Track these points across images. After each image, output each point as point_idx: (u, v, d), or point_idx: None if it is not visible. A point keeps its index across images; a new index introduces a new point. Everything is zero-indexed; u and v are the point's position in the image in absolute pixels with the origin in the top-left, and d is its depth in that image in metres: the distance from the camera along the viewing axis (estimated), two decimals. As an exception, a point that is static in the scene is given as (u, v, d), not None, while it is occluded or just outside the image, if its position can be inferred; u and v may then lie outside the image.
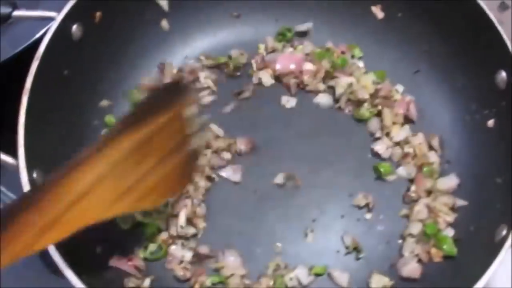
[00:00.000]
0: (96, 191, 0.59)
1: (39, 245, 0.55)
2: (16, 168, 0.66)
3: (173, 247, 0.76)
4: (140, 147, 0.65)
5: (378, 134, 0.85)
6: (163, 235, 0.76)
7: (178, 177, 0.71)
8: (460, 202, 0.78)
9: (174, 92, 0.74)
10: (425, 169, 0.81)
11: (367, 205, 0.79)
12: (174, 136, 0.70)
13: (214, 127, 0.84)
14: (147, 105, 0.72)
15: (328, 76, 0.88)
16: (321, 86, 0.88)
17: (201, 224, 0.78)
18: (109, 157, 0.62)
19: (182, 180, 0.73)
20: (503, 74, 0.76)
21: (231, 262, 0.75)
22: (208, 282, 0.74)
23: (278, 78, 0.89)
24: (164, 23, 0.90)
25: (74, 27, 0.77)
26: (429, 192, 0.79)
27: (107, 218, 0.61)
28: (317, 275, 0.75)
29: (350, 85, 0.87)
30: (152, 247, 0.76)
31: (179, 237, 0.77)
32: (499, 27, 0.76)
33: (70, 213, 0.57)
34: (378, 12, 0.89)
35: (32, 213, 0.55)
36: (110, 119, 0.84)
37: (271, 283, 0.74)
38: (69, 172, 0.58)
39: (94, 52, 0.82)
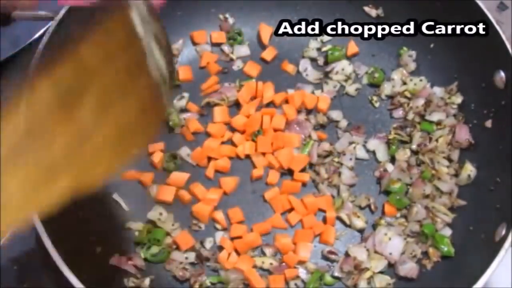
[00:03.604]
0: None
1: None
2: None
3: (175, 253, 0.75)
4: (68, 91, 0.42)
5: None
6: (168, 239, 0.76)
7: (139, 126, 0.47)
8: (459, 202, 0.78)
9: None
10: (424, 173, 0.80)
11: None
12: (117, 58, 0.45)
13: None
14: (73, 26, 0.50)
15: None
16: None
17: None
18: (18, 124, 0.41)
19: (146, 129, 0.49)
20: (502, 74, 0.76)
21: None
22: (207, 282, 0.74)
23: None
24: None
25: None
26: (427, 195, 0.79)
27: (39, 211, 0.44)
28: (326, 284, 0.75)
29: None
30: (154, 249, 0.75)
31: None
32: (498, 27, 0.76)
33: None
34: (373, 11, 0.89)
35: None
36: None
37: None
38: None
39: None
